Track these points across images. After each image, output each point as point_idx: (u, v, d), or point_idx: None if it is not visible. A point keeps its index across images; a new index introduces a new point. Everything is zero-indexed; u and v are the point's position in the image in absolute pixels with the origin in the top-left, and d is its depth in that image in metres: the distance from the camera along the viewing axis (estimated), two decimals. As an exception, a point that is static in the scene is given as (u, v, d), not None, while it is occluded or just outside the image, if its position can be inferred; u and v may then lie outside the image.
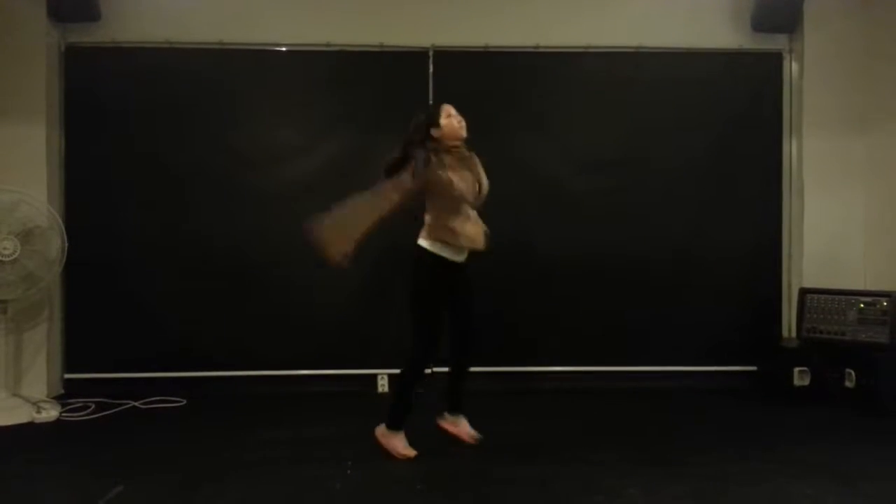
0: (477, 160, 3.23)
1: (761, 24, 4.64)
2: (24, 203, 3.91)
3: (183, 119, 4.50)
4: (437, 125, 3.12)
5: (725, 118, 4.66)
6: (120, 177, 4.46)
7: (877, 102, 4.54)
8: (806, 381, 4.20)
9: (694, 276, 4.64)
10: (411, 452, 3.15)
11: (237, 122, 4.52)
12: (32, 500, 2.73)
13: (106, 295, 4.42)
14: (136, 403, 4.15)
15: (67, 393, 4.39)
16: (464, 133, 3.17)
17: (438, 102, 3.26)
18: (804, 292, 4.42)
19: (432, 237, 3.10)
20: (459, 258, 3.16)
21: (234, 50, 4.50)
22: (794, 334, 4.51)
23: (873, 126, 4.57)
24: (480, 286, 3.33)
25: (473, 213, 3.18)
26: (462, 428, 3.36)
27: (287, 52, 4.56)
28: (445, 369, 3.41)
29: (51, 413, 3.90)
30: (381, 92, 4.54)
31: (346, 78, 4.56)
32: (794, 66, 4.71)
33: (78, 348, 4.47)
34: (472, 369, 3.39)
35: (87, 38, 4.46)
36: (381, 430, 3.23)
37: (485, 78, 4.56)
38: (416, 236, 3.17)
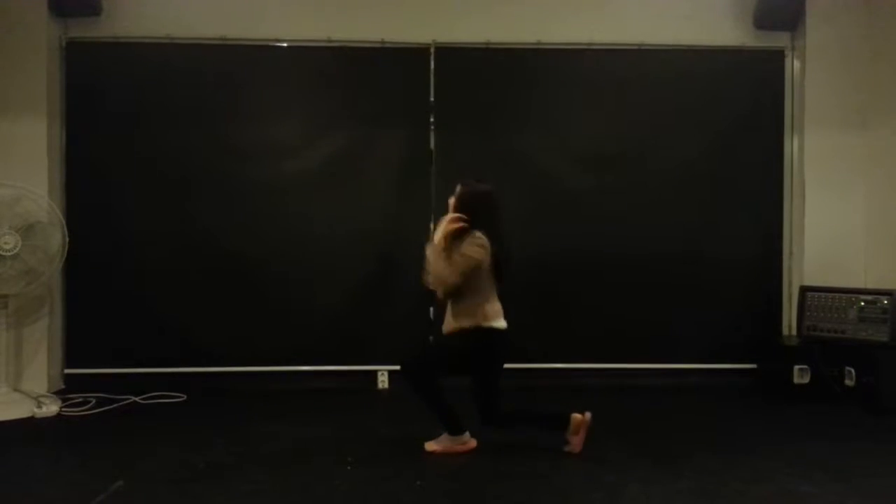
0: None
1: (763, 21, 4.64)
2: (25, 198, 3.91)
3: (184, 114, 4.49)
4: None
5: (727, 116, 4.65)
6: (121, 172, 4.46)
7: (879, 100, 4.53)
8: (806, 379, 4.20)
9: (694, 273, 4.63)
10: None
11: (238, 117, 4.51)
12: (33, 495, 2.73)
13: (106, 290, 4.43)
14: (137, 399, 4.15)
15: (68, 388, 4.39)
16: None
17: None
18: (805, 290, 4.42)
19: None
20: None
21: (235, 45, 4.49)
22: (794, 332, 4.51)
23: (875, 124, 4.56)
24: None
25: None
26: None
27: (288, 47, 4.55)
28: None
29: (51, 408, 3.90)
30: (382, 88, 4.54)
31: (347, 74, 4.55)
32: (797, 63, 4.71)
33: (78, 343, 4.47)
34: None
35: (88, 33, 4.46)
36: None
37: (486, 75, 4.56)
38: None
